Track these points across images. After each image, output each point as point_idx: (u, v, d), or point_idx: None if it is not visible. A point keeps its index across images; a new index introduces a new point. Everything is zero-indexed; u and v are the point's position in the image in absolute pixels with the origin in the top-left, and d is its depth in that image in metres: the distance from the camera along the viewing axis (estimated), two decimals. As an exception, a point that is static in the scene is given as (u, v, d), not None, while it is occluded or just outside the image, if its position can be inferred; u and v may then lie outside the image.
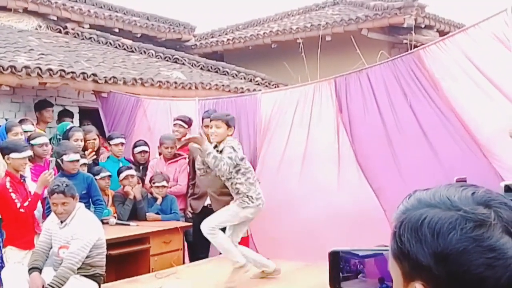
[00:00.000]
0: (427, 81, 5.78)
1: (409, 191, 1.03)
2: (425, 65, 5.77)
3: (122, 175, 6.83)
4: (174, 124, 7.38)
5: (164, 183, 6.86)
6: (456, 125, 5.70)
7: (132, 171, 6.89)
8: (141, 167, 7.38)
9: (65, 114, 8.54)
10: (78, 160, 6.21)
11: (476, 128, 5.62)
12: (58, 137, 7.18)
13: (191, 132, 7.45)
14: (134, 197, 6.76)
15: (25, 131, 6.57)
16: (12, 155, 5.43)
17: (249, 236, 7.09)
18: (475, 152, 5.59)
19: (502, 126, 5.43)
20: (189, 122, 7.42)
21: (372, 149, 6.25)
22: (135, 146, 7.51)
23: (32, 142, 6.31)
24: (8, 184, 5.37)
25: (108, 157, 7.38)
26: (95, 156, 7.16)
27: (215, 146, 5.37)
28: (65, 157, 6.09)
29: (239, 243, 6.88)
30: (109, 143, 7.41)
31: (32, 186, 5.68)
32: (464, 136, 5.67)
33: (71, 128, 7.17)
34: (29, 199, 5.42)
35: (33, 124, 7.16)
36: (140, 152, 7.44)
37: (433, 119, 5.82)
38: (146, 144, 7.51)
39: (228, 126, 5.37)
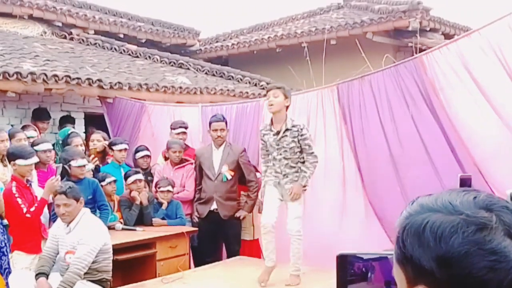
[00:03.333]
0: (428, 91, 5.64)
1: None
2: (427, 73, 5.64)
3: (130, 180, 6.82)
4: (178, 133, 7.41)
5: (169, 188, 6.86)
6: (455, 141, 5.54)
7: (140, 176, 6.88)
8: (143, 172, 7.37)
9: (66, 120, 8.57)
10: (85, 166, 6.24)
11: (473, 146, 5.44)
12: (60, 142, 7.19)
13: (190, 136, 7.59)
14: (141, 202, 6.76)
15: (28, 137, 6.61)
16: (18, 161, 5.45)
17: (258, 240, 7.10)
18: (473, 170, 5.34)
19: (497, 144, 5.30)
20: (187, 127, 7.54)
21: (376, 169, 6.14)
22: (136, 151, 7.52)
23: (35, 148, 6.33)
24: (14, 189, 5.38)
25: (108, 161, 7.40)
26: (97, 162, 7.17)
27: (272, 123, 5.40)
28: (73, 163, 6.10)
29: (247, 247, 6.93)
30: (111, 149, 7.40)
31: (38, 191, 5.70)
32: (463, 153, 5.50)
33: (70, 134, 7.19)
34: (36, 204, 5.43)
35: (35, 130, 7.19)
36: (143, 157, 7.46)
37: (434, 134, 5.67)
38: (147, 149, 7.54)
39: (286, 96, 5.33)
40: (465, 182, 4.95)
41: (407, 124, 5.83)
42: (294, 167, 5.37)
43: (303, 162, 5.37)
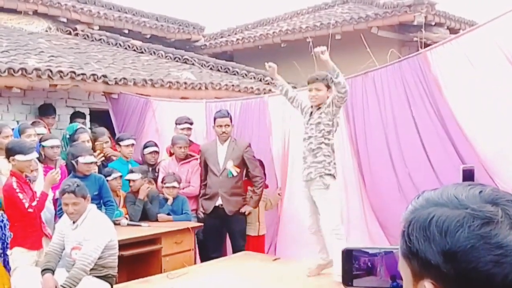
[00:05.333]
0: (432, 89, 5.53)
1: None
2: (431, 69, 5.53)
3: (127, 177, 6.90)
4: (182, 128, 7.40)
5: (175, 183, 6.86)
6: (460, 139, 5.43)
7: (134, 175, 6.86)
8: (150, 168, 7.38)
9: (77, 115, 8.62)
10: (92, 163, 6.26)
11: (478, 144, 5.30)
12: (68, 136, 7.19)
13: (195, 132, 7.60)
14: (144, 197, 6.77)
15: (38, 134, 6.62)
16: (17, 157, 5.42)
17: (264, 236, 7.10)
18: (478, 168, 5.19)
19: (503, 142, 5.17)
20: (192, 123, 7.54)
21: (378, 174, 6.06)
22: (145, 147, 7.53)
23: (43, 143, 6.36)
24: (14, 184, 5.35)
25: (113, 157, 7.40)
26: (103, 158, 7.17)
27: (311, 113, 5.30)
28: (80, 159, 6.09)
29: (251, 243, 6.94)
30: (119, 144, 7.42)
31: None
32: (467, 152, 5.37)
33: (77, 129, 7.19)
34: (37, 199, 5.42)
35: (45, 127, 7.20)
36: (151, 152, 7.46)
37: (437, 137, 5.56)
38: (155, 145, 7.53)
39: (328, 87, 5.20)
40: (467, 174, 4.88)
41: (409, 128, 5.74)
42: (314, 150, 5.17)
43: (326, 144, 5.16)
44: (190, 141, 7.41)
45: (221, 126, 6.69)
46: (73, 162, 6.09)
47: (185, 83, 9.65)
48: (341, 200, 5.81)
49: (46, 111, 8.21)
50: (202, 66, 11.57)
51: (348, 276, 1.31)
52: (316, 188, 5.18)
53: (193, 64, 11.59)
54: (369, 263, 1.29)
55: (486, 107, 5.26)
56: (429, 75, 5.56)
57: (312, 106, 5.31)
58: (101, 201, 6.16)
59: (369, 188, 6.16)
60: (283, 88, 5.76)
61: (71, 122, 8.32)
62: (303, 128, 5.36)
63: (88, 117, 9.16)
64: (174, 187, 6.87)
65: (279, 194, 6.92)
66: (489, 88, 5.22)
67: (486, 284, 0.88)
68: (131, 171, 6.97)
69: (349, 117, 6.19)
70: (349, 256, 1.31)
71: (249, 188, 6.86)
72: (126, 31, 12.77)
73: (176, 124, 7.49)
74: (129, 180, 6.84)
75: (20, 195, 5.32)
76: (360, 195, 6.23)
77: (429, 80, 5.57)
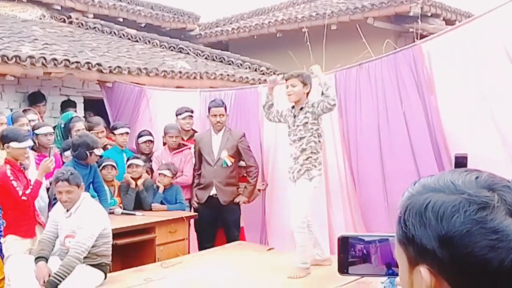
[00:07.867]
0: (422, 83, 5.45)
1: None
2: (425, 63, 5.44)
3: (127, 163, 6.86)
4: (184, 118, 7.35)
5: (166, 172, 6.83)
6: (441, 144, 5.36)
7: (138, 161, 6.85)
8: (144, 158, 7.35)
9: (68, 104, 8.55)
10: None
11: (455, 150, 5.01)
12: (62, 126, 7.15)
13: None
14: (136, 185, 6.75)
15: (29, 120, 6.59)
16: (12, 144, 5.40)
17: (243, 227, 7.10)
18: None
19: (486, 150, 4.96)
20: (193, 111, 7.47)
21: (367, 176, 5.99)
22: (139, 136, 7.50)
23: (36, 131, 6.34)
24: (9, 172, 5.33)
25: (108, 146, 7.38)
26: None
27: (292, 107, 5.41)
28: (96, 151, 6.14)
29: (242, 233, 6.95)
30: (113, 133, 7.39)
31: (36, 175, 5.67)
32: (445, 159, 5.27)
33: (72, 118, 7.15)
34: (31, 187, 5.41)
35: (36, 114, 7.16)
36: (145, 142, 7.43)
37: (424, 133, 5.47)
38: (150, 134, 7.50)
39: (304, 84, 5.31)
40: (460, 161, 4.83)
41: (400, 126, 5.66)
42: (305, 150, 5.25)
43: (315, 142, 5.27)
44: (193, 130, 7.39)
45: (215, 115, 6.67)
46: (88, 152, 6.06)
47: (180, 72, 9.63)
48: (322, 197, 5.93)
49: (35, 99, 8.16)
50: (197, 55, 11.54)
51: (343, 264, 1.30)
52: (302, 180, 5.27)
53: (188, 53, 11.56)
54: (364, 251, 1.29)
55: (478, 103, 5.14)
56: (422, 69, 5.48)
57: (293, 108, 5.40)
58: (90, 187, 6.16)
59: (358, 188, 6.11)
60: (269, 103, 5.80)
61: (62, 111, 8.28)
62: (288, 132, 5.43)
63: (82, 106, 9.13)
64: (165, 175, 6.85)
65: (258, 190, 6.90)
66: (484, 81, 5.10)
67: (482, 269, 0.88)
68: (136, 157, 6.96)
69: (341, 111, 6.11)
70: (345, 243, 1.30)
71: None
72: (121, 20, 12.71)
73: (176, 115, 7.41)
74: (130, 165, 6.82)
75: (14, 183, 5.31)
76: (348, 195, 6.18)
77: (420, 74, 5.49)
